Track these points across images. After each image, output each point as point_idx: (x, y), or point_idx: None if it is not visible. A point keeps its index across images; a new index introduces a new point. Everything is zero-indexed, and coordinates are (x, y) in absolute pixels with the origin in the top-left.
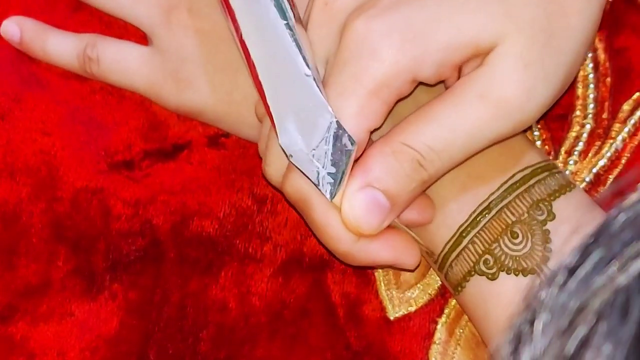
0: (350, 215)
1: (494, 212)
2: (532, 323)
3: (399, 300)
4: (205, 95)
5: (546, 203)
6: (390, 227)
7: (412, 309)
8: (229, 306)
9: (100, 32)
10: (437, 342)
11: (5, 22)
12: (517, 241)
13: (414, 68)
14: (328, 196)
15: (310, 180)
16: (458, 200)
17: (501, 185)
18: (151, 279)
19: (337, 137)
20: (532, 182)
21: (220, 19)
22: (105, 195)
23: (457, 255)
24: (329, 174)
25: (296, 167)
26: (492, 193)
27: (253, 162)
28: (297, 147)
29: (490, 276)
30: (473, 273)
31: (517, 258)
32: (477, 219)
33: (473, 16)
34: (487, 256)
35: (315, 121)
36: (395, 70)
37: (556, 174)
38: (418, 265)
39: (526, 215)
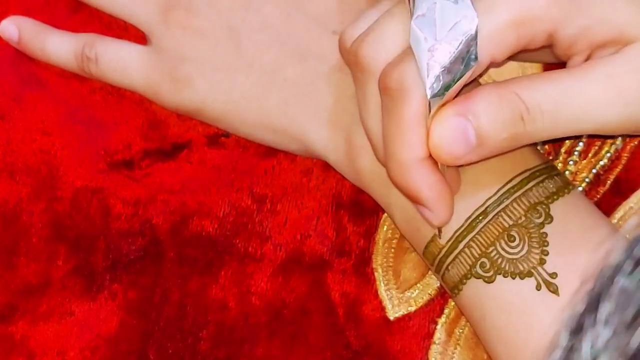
0: (436, 135)
1: (490, 216)
2: (593, 313)
3: (399, 300)
4: (204, 94)
5: (544, 206)
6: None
7: (412, 308)
8: (229, 305)
9: (100, 32)
10: (436, 342)
11: (4, 22)
12: (513, 244)
13: (560, 21)
14: (429, 92)
15: (420, 68)
16: (455, 205)
17: (499, 190)
18: (151, 278)
19: (466, 45)
20: (530, 185)
21: (219, 17)
22: (105, 194)
23: (453, 259)
24: (442, 72)
25: (412, 49)
26: (489, 198)
27: (253, 162)
28: (423, 35)
29: (486, 279)
30: (469, 276)
31: (514, 261)
32: (473, 224)
33: (628, 6)
34: (483, 259)
35: (454, 20)
36: (544, 11)
37: (555, 177)
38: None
39: (523, 218)
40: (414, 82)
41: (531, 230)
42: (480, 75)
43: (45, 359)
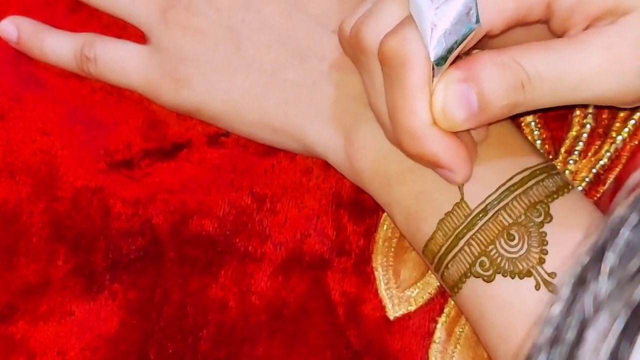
0: (439, 100)
1: (490, 214)
2: (597, 265)
3: (399, 299)
4: (203, 94)
5: (544, 205)
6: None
7: (412, 308)
8: (229, 305)
9: (99, 32)
10: (436, 341)
11: (3, 22)
12: (513, 243)
13: None
14: (432, 56)
15: (422, 32)
16: None
17: (499, 188)
18: (151, 278)
19: (466, 8)
20: (530, 183)
21: (218, 17)
22: (105, 194)
23: (453, 257)
24: (443, 36)
25: (412, 16)
26: (490, 195)
27: (253, 161)
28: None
29: (486, 278)
30: (469, 275)
31: (513, 260)
32: (474, 221)
33: None
34: (483, 258)
35: None
36: None
37: (555, 176)
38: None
39: (523, 217)
40: (413, 48)
41: (531, 229)
42: (472, 50)
43: (45, 359)
